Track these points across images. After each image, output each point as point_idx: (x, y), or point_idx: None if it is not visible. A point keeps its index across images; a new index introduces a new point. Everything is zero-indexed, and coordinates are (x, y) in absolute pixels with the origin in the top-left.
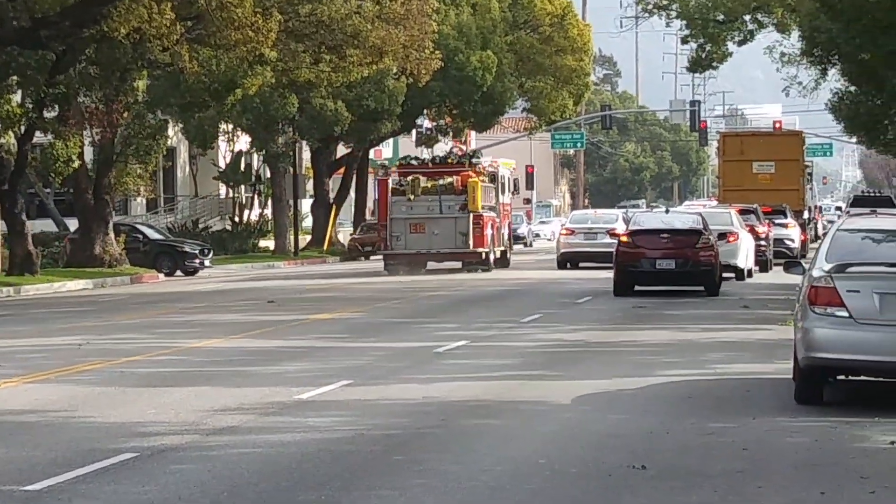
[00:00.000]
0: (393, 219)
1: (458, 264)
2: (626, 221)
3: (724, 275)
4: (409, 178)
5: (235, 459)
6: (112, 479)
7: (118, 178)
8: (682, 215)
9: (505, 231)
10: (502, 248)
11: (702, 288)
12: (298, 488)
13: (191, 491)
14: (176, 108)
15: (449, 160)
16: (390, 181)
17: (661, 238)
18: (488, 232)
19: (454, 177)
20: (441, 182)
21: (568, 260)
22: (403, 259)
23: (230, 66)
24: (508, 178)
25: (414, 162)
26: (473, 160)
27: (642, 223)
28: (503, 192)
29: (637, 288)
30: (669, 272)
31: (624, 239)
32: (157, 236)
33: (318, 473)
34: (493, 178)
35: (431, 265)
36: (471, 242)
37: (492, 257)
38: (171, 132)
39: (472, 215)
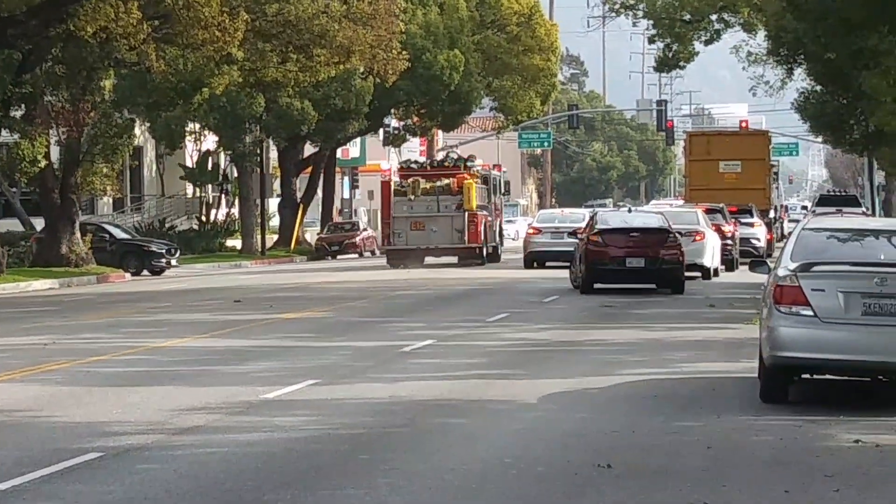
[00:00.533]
0: (395, 217)
1: (455, 259)
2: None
3: (691, 274)
4: (410, 179)
5: (201, 459)
6: (77, 479)
7: (85, 177)
8: (645, 215)
9: (496, 228)
10: (494, 244)
11: (665, 287)
12: (264, 488)
13: (156, 491)
14: (143, 108)
15: (446, 164)
16: (392, 183)
17: (630, 237)
18: (482, 229)
19: (451, 179)
20: (439, 183)
21: (535, 259)
22: (404, 254)
23: (197, 66)
24: (500, 180)
25: (414, 165)
26: (468, 164)
27: (609, 222)
28: (495, 193)
29: (598, 286)
30: (639, 270)
31: (594, 238)
32: (123, 236)
33: (284, 473)
34: (486, 180)
35: (429, 259)
36: (466, 238)
37: (484, 252)
38: (137, 131)
39: (467, 214)
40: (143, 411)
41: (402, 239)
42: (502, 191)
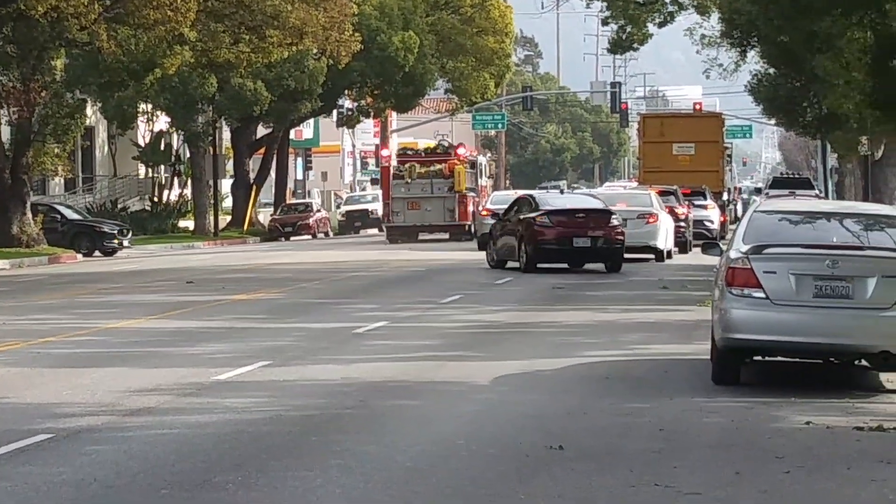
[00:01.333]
0: (394, 198)
1: (447, 235)
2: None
3: (644, 256)
4: (407, 165)
5: (152, 440)
6: (27, 461)
7: (36, 157)
8: (582, 196)
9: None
10: None
11: (605, 262)
12: (215, 469)
13: (106, 472)
14: (94, 88)
15: (437, 150)
16: (392, 168)
17: (576, 217)
18: (471, 209)
19: (443, 164)
20: (432, 168)
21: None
22: (402, 230)
23: (149, 46)
24: (485, 165)
25: (410, 152)
26: (459, 150)
27: (554, 203)
28: (481, 177)
29: (541, 266)
30: (585, 249)
31: (540, 218)
32: (75, 216)
33: (235, 454)
34: (474, 165)
35: (423, 235)
36: (457, 217)
37: (472, 229)
38: (89, 112)
39: (457, 195)
40: (93, 393)
41: (401, 217)
42: (487, 174)
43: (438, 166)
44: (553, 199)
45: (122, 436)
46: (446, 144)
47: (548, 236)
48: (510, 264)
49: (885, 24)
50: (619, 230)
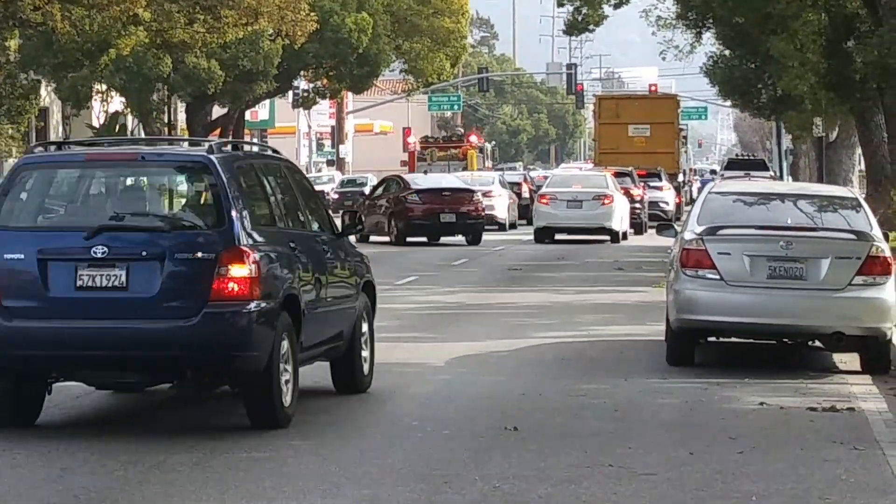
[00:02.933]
0: None
1: None
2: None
3: (599, 237)
4: (428, 150)
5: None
6: None
7: None
8: (445, 176)
9: (525, 190)
10: None
11: (466, 235)
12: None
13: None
14: (48, 68)
15: (453, 138)
16: (416, 153)
17: (443, 195)
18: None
19: (458, 149)
20: (449, 153)
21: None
22: None
23: (103, 26)
24: (489, 150)
25: (431, 139)
26: (471, 138)
27: (423, 183)
28: (487, 160)
29: (410, 239)
30: (451, 224)
31: (411, 196)
32: None
33: (189, 436)
34: (482, 150)
35: None
36: None
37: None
38: (43, 92)
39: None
40: None
41: None
42: (491, 158)
43: (454, 151)
44: (420, 179)
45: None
46: (460, 132)
47: (416, 212)
48: (375, 238)
49: (840, 5)
50: (480, 207)
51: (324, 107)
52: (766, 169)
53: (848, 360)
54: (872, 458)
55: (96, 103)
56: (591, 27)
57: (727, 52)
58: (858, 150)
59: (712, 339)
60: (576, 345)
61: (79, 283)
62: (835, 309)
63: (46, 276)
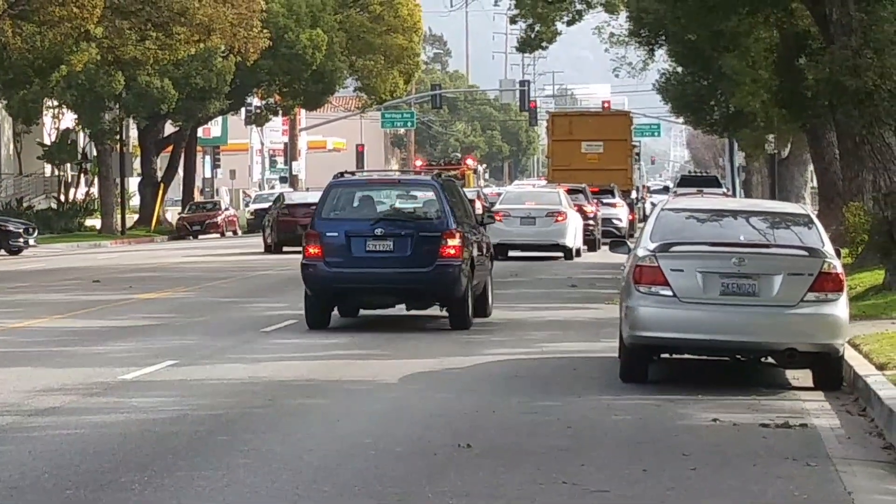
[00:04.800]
0: None
1: None
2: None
3: (553, 254)
4: (434, 171)
5: (57, 440)
6: None
7: None
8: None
9: (479, 206)
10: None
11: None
12: (120, 469)
13: (10, 473)
14: None
15: (452, 161)
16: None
17: (310, 208)
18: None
19: (457, 170)
20: (451, 173)
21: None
22: None
23: (55, 43)
24: (481, 171)
25: (433, 163)
26: (468, 161)
27: (295, 199)
28: (480, 179)
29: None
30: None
31: (284, 211)
32: None
33: (141, 454)
34: (476, 171)
35: None
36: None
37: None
38: None
39: None
40: None
41: None
42: (483, 178)
43: (454, 172)
44: (295, 195)
45: (27, 436)
46: (458, 157)
47: (289, 224)
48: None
49: (791, 22)
50: None
51: (276, 124)
52: (720, 185)
53: (800, 376)
54: (825, 475)
55: (48, 120)
56: (544, 44)
57: (680, 70)
58: (811, 167)
59: (665, 355)
60: (529, 362)
61: (368, 248)
62: (787, 325)
63: (349, 244)
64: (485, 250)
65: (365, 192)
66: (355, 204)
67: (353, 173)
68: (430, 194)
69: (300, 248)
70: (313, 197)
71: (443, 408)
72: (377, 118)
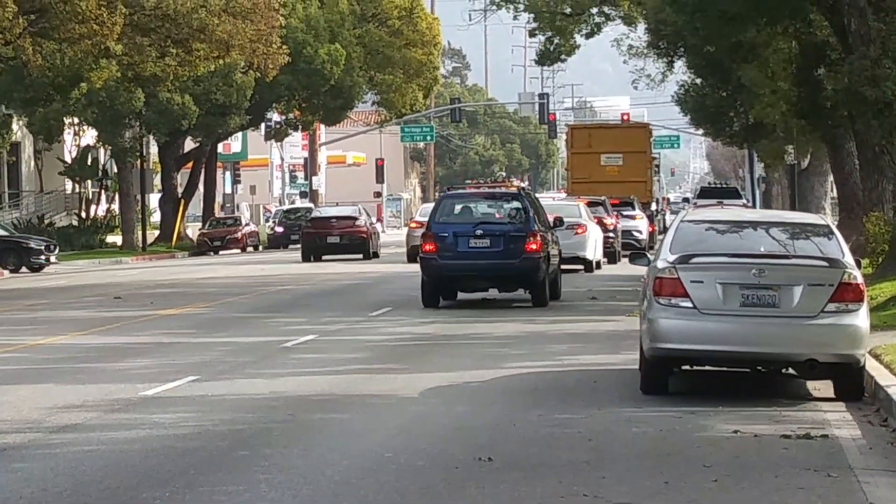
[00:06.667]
0: None
1: None
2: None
3: (573, 267)
4: (481, 188)
5: (79, 457)
6: None
7: None
8: (342, 207)
9: None
10: None
11: (356, 254)
12: (143, 485)
13: (32, 489)
14: (20, 102)
15: (498, 180)
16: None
17: (331, 222)
18: None
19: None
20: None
21: (417, 253)
22: None
23: (75, 60)
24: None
25: (481, 182)
26: (513, 180)
27: (320, 213)
28: None
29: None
30: (337, 244)
31: (308, 223)
32: (1, 232)
33: (163, 470)
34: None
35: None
36: None
37: None
38: (15, 127)
39: None
40: (20, 409)
41: None
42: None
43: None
44: (321, 209)
45: (49, 453)
46: (504, 175)
47: (312, 236)
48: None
49: (810, 33)
50: (361, 228)
51: (296, 139)
52: (739, 197)
53: (821, 387)
54: (847, 486)
55: (68, 137)
56: (563, 57)
57: (698, 81)
58: (830, 178)
59: (686, 367)
60: (549, 374)
61: (470, 245)
62: (808, 336)
63: (457, 242)
64: (556, 247)
65: (466, 203)
66: (459, 211)
67: (456, 188)
68: (517, 203)
69: (333, 258)
70: (337, 211)
71: (463, 421)
72: (396, 132)
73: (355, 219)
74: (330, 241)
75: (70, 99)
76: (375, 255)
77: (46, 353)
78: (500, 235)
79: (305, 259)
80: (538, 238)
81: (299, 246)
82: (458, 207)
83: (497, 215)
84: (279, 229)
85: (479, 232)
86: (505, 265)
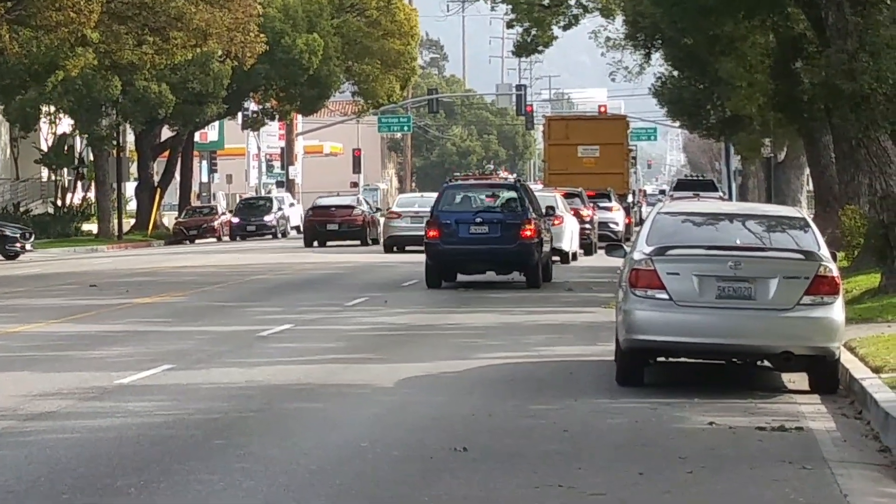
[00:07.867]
0: None
1: None
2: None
3: (550, 258)
4: (470, 181)
5: (53, 445)
6: None
7: None
8: (342, 197)
9: None
10: None
11: (354, 240)
12: (117, 473)
13: (6, 477)
14: None
15: (486, 173)
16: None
17: (329, 210)
18: None
19: (490, 180)
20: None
21: (394, 243)
22: None
23: (51, 48)
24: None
25: (470, 174)
26: (500, 173)
27: (319, 203)
28: None
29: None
30: (335, 231)
31: (309, 212)
32: None
33: (138, 458)
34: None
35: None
36: None
37: None
38: None
39: None
40: None
41: None
42: None
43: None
44: (321, 199)
45: (23, 440)
46: (492, 168)
47: (313, 223)
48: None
49: (787, 26)
50: (359, 217)
51: (273, 128)
52: (716, 189)
53: (796, 379)
54: (821, 478)
55: (45, 125)
56: (540, 48)
57: (676, 73)
58: (807, 171)
59: (662, 359)
60: (525, 365)
61: (470, 231)
62: (783, 329)
63: (458, 229)
64: (548, 233)
65: (467, 193)
66: (460, 201)
67: (457, 179)
68: (513, 193)
69: (334, 244)
70: (338, 200)
71: (439, 411)
72: (374, 123)
73: (353, 207)
74: (329, 228)
75: (46, 86)
76: (375, 241)
77: (21, 340)
78: (498, 223)
79: (308, 245)
80: (532, 225)
81: (257, 237)
82: (459, 197)
83: (495, 204)
84: (235, 220)
85: (478, 219)
86: (502, 250)
